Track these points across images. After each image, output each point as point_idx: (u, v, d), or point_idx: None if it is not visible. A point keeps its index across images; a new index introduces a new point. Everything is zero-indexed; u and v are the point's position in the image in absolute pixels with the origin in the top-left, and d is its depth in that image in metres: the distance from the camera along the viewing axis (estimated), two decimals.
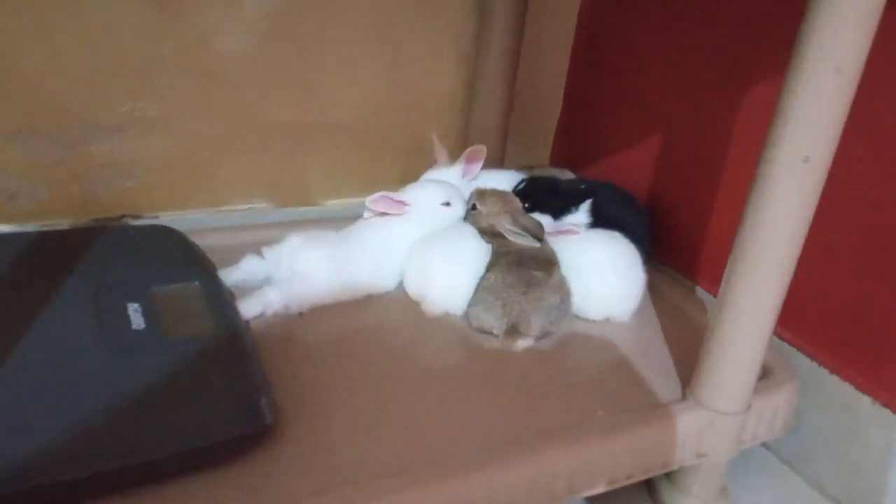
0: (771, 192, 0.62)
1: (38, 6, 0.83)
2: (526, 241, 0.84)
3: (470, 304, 0.83)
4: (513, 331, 0.79)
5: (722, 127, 0.93)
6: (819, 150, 0.59)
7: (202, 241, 0.89)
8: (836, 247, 0.81)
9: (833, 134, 0.59)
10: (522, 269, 0.81)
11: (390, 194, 0.88)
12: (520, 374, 0.76)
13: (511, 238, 0.85)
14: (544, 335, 0.81)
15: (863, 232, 0.78)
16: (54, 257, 0.76)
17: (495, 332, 0.80)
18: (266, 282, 0.81)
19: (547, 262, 0.83)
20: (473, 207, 0.90)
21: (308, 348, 0.76)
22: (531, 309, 0.79)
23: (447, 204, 0.90)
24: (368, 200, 0.87)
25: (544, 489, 0.64)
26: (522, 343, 0.80)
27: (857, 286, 0.79)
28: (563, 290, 0.83)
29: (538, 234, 0.84)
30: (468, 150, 0.97)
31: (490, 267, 0.83)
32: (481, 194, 0.90)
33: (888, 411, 0.76)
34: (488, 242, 0.86)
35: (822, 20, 0.56)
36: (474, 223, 0.89)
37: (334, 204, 1.09)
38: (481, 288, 0.82)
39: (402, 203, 0.88)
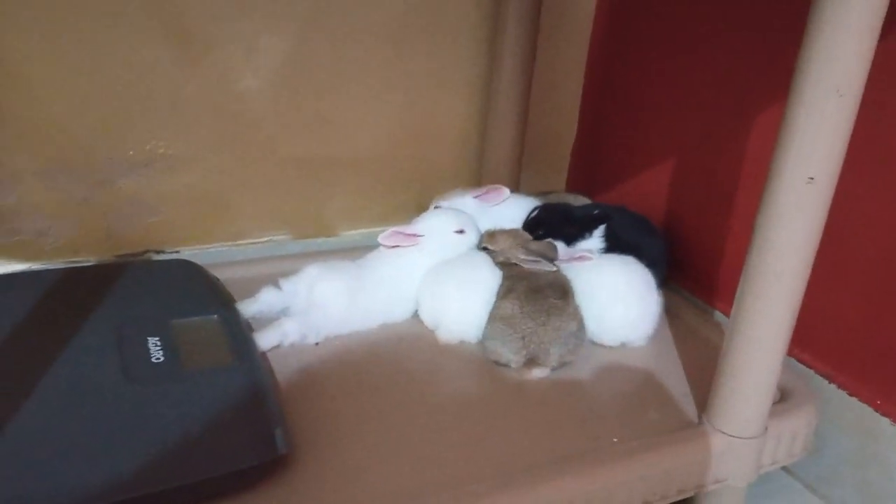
0: (778, 213, 0.62)
1: (65, 51, 0.86)
2: (541, 267, 0.85)
3: (486, 336, 0.83)
4: (531, 362, 0.80)
5: (736, 150, 0.93)
6: (823, 170, 0.60)
7: (223, 274, 0.91)
8: (852, 268, 0.80)
9: (837, 154, 0.60)
10: (539, 296, 0.81)
11: (402, 229, 0.89)
12: (535, 401, 0.76)
13: (526, 266, 0.85)
14: (562, 365, 0.81)
15: (878, 252, 0.77)
16: (80, 293, 0.79)
17: (513, 365, 0.80)
18: (284, 313, 0.83)
19: (562, 290, 0.83)
20: (485, 249, 0.91)
21: (324, 378, 0.77)
22: (550, 340, 0.79)
23: (461, 231, 0.91)
24: (381, 238, 0.88)
25: None
26: (539, 373, 0.80)
27: (873, 307, 0.78)
28: (579, 318, 0.83)
29: (551, 256, 0.85)
30: (489, 187, 0.99)
31: (504, 294, 0.83)
32: (491, 235, 0.91)
33: None
34: (501, 270, 0.86)
35: (822, 43, 0.57)
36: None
37: (352, 234, 1.10)
38: (497, 318, 0.82)
39: (415, 236, 0.89)
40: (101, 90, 0.90)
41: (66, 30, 0.86)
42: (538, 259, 0.85)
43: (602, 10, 1.15)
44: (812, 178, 0.60)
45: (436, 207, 0.98)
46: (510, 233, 0.91)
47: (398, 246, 0.89)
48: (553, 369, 0.80)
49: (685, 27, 1.00)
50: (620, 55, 1.13)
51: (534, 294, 0.81)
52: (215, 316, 0.76)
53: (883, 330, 0.78)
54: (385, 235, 0.88)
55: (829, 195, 0.61)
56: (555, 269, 0.85)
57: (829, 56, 0.57)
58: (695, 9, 0.98)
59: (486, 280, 0.85)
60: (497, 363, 0.81)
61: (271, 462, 0.61)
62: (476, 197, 0.98)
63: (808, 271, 0.64)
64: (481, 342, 0.84)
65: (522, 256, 0.85)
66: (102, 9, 0.86)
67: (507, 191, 0.99)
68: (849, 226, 0.79)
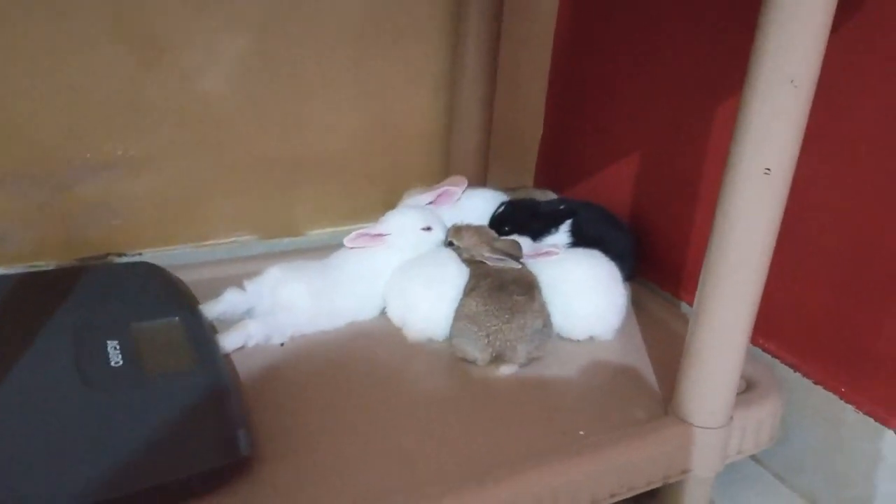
0: (736, 205, 0.63)
1: (21, 53, 0.85)
2: (507, 265, 0.85)
3: (452, 334, 0.83)
4: (498, 359, 0.79)
5: (699, 144, 0.93)
6: (779, 161, 0.60)
7: (188, 276, 0.90)
8: (817, 258, 0.81)
9: (792, 145, 0.60)
10: (503, 294, 0.81)
11: (367, 230, 0.88)
12: (503, 397, 0.76)
13: (492, 264, 0.85)
14: (530, 361, 0.81)
15: (842, 243, 0.78)
16: (38, 298, 0.77)
17: (479, 362, 0.80)
18: (248, 314, 0.82)
19: (528, 286, 0.83)
20: (451, 244, 0.91)
21: (290, 379, 0.76)
22: (515, 337, 0.79)
23: (428, 228, 0.91)
24: (347, 240, 0.88)
25: None
26: (506, 370, 0.80)
27: (837, 297, 0.79)
28: (545, 314, 0.83)
29: (516, 254, 0.85)
30: (449, 179, 0.98)
31: (469, 291, 0.83)
32: (457, 230, 0.91)
33: (871, 420, 0.75)
34: (468, 266, 0.86)
35: (775, 33, 0.57)
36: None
37: (319, 234, 1.09)
38: (462, 316, 0.82)
39: (381, 235, 0.88)
40: (59, 92, 0.89)
41: (21, 31, 0.84)
42: (503, 257, 0.85)
43: (565, 6, 1.15)
44: (769, 170, 0.60)
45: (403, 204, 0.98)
46: (476, 229, 0.90)
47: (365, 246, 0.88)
48: (521, 366, 0.80)
49: (648, 23, 1.01)
50: (584, 51, 1.13)
51: (498, 291, 0.81)
52: (177, 318, 0.75)
53: (846, 319, 0.78)
54: (350, 238, 0.88)
55: (786, 186, 0.62)
56: (520, 266, 0.85)
57: (782, 46, 0.57)
58: (657, 5, 0.98)
59: (453, 278, 0.85)
60: (465, 360, 0.81)
61: (235, 464, 0.61)
62: (430, 203, 0.98)
63: (768, 261, 0.64)
64: (449, 340, 0.83)
65: (488, 254, 0.85)
66: (58, 9, 0.85)
67: (460, 190, 0.99)
68: (812, 217, 0.80)
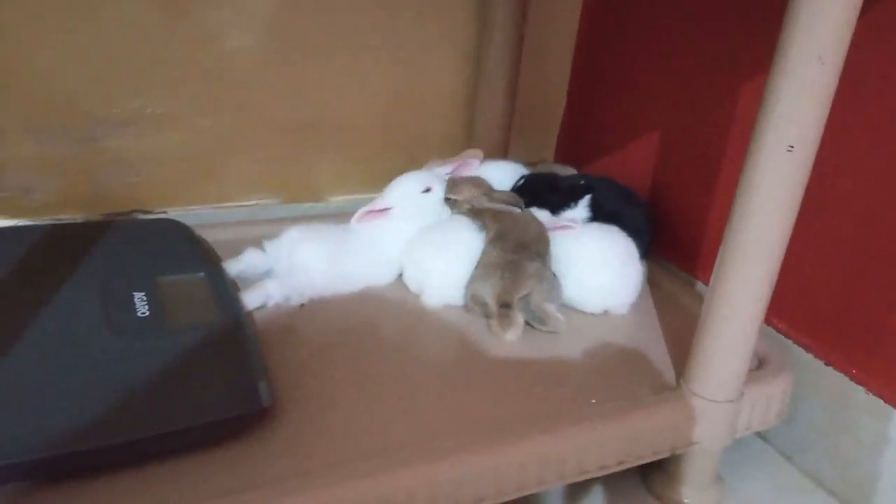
0: (758, 182, 0.63)
1: (50, 5, 0.86)
2: (508, 209, 0.87)
3: (469, 280, 0.84)
4: (505, 309, 0.80)
5: (720, 122, 0.93)
6: (803, 138, 0.60)
7: (210, 236, 0.91)
8: (830, 238, 0.81)
9: (817, 123, 0.60)
10: (522, 247, 0.84)
11: (371, 206, 0.88)
12: (516, 364, 0.77)
13: (495, 209, 0.88)
14: (539, 313, 0.82)
15: (855, 223, 0.79)
16: (67, 250, 0.79)
17: (491, 307, 0.81)
18: (267, 275, 0.84)
19: (540, 239, 0.87)
20: (448, 199, 0.92)
21: (308, 338, 0.77)
22: (531, 287, 0.81)
23: (427, 190, 0.91)
24: (353, 220, 0.88)
25: (534, 473, 0.65)
26: (512, 334, 0.80)
27: (851, 278, 0.80)
28: (554, 277, 0.86)
29: (517, 202, 0.88)
30: (466, 151, 0.99)
31: (493, 240, 0.86)
32: (453, 184, 0.93)
33: (880, 401, 0.76)
34: (482, 230, 0.88)
35: (805, 9, 0.57)
36: (456, 210, 0.92)
37: (340, 200, 1.11)
38: (482, 263, 0.84)
39: (385, 209, 0.89)
40: (86, 47, 0.90)
41: None
42: (504, 205, 0.86)
43: None
44: (792, 147, 0.60)
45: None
46: (472, 181, 0.93)
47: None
48: (529, 321, 0.82)
49: (673, 1, 1.00)
50: (610, 27, 1.13)
51: (516, 246, 0.84)
52: (201, 274, 0.77)
53: (860, 301, 0.79)
54: (356, 217, 0.88)
55: (809, 164, 0.62)
56: (520, 212, 0.87)
57: (810, 23, 0.57)
58: None
59: (467, 244, 0.86)
60: (476, 306, 0.83)
61: (255, 414, 0.62)
62: (448, 175, 0.98)
63: (787, 240, 0.65)
64: (468, 286, 0.85)
65: (488, 204, 0.88)
66: None
67: (477, 162, 1.00)
68: (829, 197, 0.80)
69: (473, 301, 0.84)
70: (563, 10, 1.17)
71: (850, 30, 0.57)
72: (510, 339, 0.80)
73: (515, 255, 0.83)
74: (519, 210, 0.87)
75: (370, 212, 0.89)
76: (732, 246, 0.66)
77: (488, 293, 0.81)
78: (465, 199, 0.91)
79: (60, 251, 0.79)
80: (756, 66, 0.88)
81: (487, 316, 0.83)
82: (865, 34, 0.72)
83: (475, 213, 0.90)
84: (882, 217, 0.76)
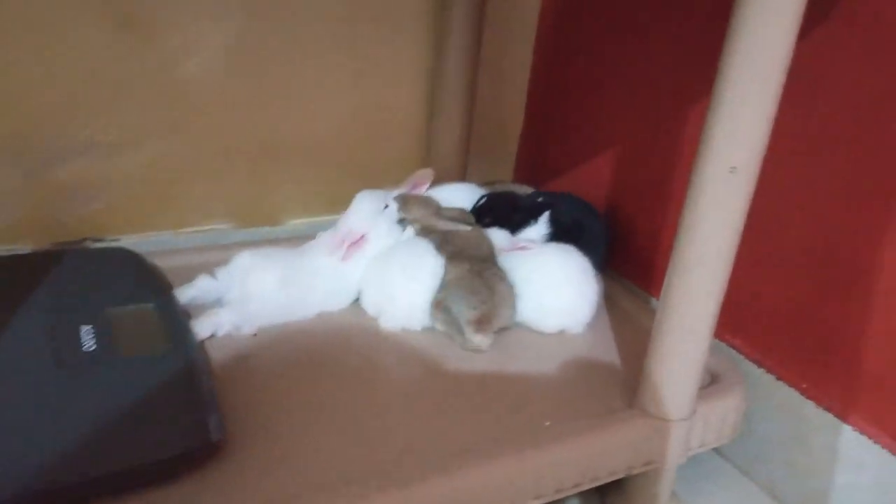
0: (702, 203, 0.64)
1: (2, 30, 0.85)
2: (459, 228, 0.89)
3: (440, 299, 0.84)
4: (479, 324, 0.81)
5: (674, 141, 0.95)
6: (745, 160, 0.61)
7: (166, 263, 0.90)
8: (779, 254, 0.83)
9: (758, 144, 0.61)
10: (486, 263, 0.86)
11: (343, 237, 0.87)
12: (472, 387, 0.77)
13: (446, 229, 0.89)
14: (502, 329, 0.85)
15: (805, 241, 0.80)
16: (14, 281, 0.77)
17: (464, 327, 0.82)
18: (219, 302, 0.83)
19: (493, 255, 0.89)
20: (402, 220, 0.93)
21: (263, 367, 0.77)
22: (500, 303, 0.84)
23: (386, 207, 0.92)
24: (340, 259, 0.87)
25: (490, 500, 0.65)
26: (483, 341, 0.82)
27: (800, 294, 0.81)
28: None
29: (467, 220, 0.90)
30: (416, 173, 1.00)
31: (452, 257, 0.86)
32: (404, 202, 0.93)
33: (831, 415, 0.77)
34: (438, 250, 0.88)
35: (745, 29, 0.58)
36: (409, 228, 0.93)
37: (298, 223, 1.10)
38: (452, 282, 0.84)
39: (362, 237, 0.89)
40: (40, 73, 0.88)
41: (1, 7, 0.84)
42: (454, 223, 0.88)
43: (549, 3, 1.16)
44: (734, 168, 0.61)
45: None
46: (421, 200, 0.93)
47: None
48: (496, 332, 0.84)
49: (628, 22, 1.02)
50: (566, 48, 1.14)
51: (480, 262, 0.85)
52: (151, 305, 0.76)
53: (808, 317, 0.80)
54: (339, 254, 0.86)
55: (752, 185, 0.63)
56: (470, 229, 0.88)
57: (751, 43, 0.58)
58: (638, 4, 0.99)
59: (429, 267, 0.86)
60: (447, 331, 0.84)
61: (205, 449, 0.61)
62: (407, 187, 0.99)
63: (732, 257, 0.66)
64: (437, 303, 0.85)
65: (438, 222, 0.89)
66: None
67: (427, 183, 1.00)
68: (778, 215, 0.82)
69: (444, 327, 0.84)
70: (519, 31, 1.18)
71: (790, 52, 0.58)
72: (483, 345, 0.82)
73: (480, 269, 0.84)
74: (469, 227, 0.88)
75: (349, 243, 0.87)
76: (679, 265, 0.67)
77: (466, 319, 0.82)
78: (415, 217, 0.91)
79: (8, 283, 0.77)
80: (707, 86, 0.89)
81: (456, 331, 0.83)
82: (808, 55, 0.73)
83: (427, 232, 0.90)
84: (831, 234, 0.77)
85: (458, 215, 0.90)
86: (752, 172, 0.62)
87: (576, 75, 1.13)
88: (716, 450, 0.90)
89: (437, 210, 0.92)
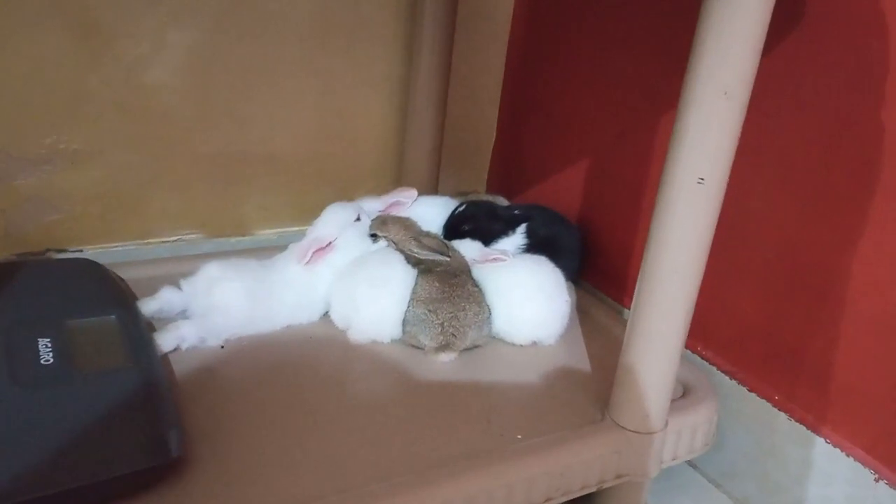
0: (671, 214, 0.64)
1: None
2: (436, 258, 0.86)
3: (406, 321, 0.83)
4: (444, 346, 0.82)
5: (645, 152, 0.95)
6: (713, 171, 0.61)
7: (130, 274, 0.89)
8: (751, 268, 0.83)
9: (725, 155, 0.61)
10: (457, 280, 0.84)
11: (316, 245, 0.86)
12: (442, 400, 0.76)
13: (421, 257, 0.87)
14: (473, 346, 0.85)
15: (774, 252, 0.80)
16: None
17: (427, 348, 0.82)
18: (184, 314, 0.81)
19: (468, 273, 0.88)
20: (374, 237, 0.91)
21: (227, 381, 0.75)
22: (469, 324, 0.83)
23: (358, 219, 0.91)
24: (302, 262, 0.85)
25: None
26: (446, 357, 0.82)
27: (771, 306, 0.81)
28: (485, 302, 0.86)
29: (444, 250, 0.87)
30: (398, 189, 0.99)
31: (424, 273, 0.85)
32: (382, 222, 0.91)
33: (803, 427, 0.77)
34: (414, 266, 0.87)
35: (710, 44, 0.58)
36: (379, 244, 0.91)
37: (267, 233, 1.08)
38: (420, 300, 0.83)
39: (330, 244, 0.87)
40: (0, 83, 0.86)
41: None
42: (431, 253, 0.86)
43: (520, 15, 1.16)
44: (702, 179, 0.61)
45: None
46: (402, 222, 0.92)
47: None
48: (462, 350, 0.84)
49: (599, 35, 1.02)
50: (538, 60, 1.15)
51: (452, 278, 0.84)
52: (113, 316, 0.74)
53: (779, 328, 0.80)
54: (303, 260, 0.85)
55: (720, 196, 0.63)
56: (448, 260, 0.87)
57: (716, 58, 0.58)
58: (608, 16, 1.00)
59: (399, 279, 0.85)
60: (413, 345, 0.84)
61: (165, 465, 0.60)
62: (381, 212, 0.97)
63: (702, 269, 0.66)
64: (403, 326, 0.84)
65: (416, 250, 0.87)
66: None
67: (410, 201, 0.99)
68: (749, 226, 0.82)
69: (411, 342, 0.84)
70: (491, 44, 1.18)
71: (755, 65, 0.59)
72: (445, 361, 0.82)
73: (451, 286, 0.83)
74: (447, 259, 0.86)
75: (316, 249, 0.86)
76: (649, 276, 0.67)
77: (428, 343, 0.82)
78: (392, 238, 0.89)
79: None
80: (676, 99, 0.89)
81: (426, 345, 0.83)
82: (774, 69, 0.74)
83: (400, 251, 0.89)
84: (800, 246, 0.77)
85: (436, 245, 0.87)
86: (719, 183, 0.62)
87: (548, 88, 1.13)
88: (688, 462, 0.89)
89: (417, 235, 0.89)
